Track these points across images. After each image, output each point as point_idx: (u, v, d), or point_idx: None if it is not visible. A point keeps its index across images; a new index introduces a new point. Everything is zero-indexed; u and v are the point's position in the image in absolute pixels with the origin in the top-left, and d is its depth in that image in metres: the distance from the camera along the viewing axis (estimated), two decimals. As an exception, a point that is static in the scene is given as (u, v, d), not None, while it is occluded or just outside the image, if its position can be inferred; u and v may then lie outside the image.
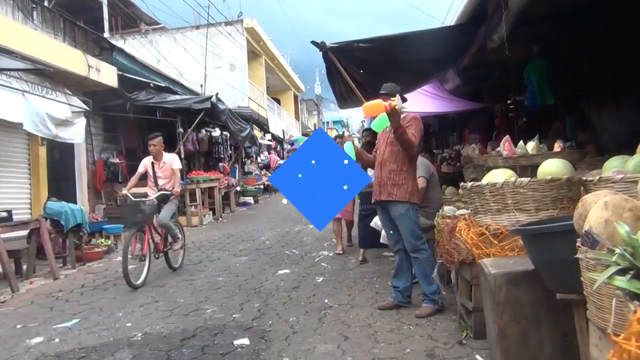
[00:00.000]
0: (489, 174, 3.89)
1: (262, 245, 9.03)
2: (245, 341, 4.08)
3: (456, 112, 10.38)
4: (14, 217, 7.82)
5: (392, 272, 6.09)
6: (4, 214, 7.44)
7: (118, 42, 16.53)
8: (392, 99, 4.23)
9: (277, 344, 4.01)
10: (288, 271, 6.70)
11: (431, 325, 4.19)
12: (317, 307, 4.99)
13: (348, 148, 4.45)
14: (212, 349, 3.97)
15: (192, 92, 15.78)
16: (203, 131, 16.09)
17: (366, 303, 5.00)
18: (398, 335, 4.02)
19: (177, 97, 13.27)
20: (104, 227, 9.79)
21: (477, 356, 3.45)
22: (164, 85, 13.37)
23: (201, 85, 17.37)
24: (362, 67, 6.05)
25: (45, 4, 12.94)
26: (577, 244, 1.96)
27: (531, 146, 4.84)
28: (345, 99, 6.71)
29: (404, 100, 4.67)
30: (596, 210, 1.91)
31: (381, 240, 5.98)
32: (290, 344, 3.98)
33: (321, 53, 5.80)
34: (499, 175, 3.66)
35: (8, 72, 7.67)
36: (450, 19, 7.31)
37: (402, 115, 4.49)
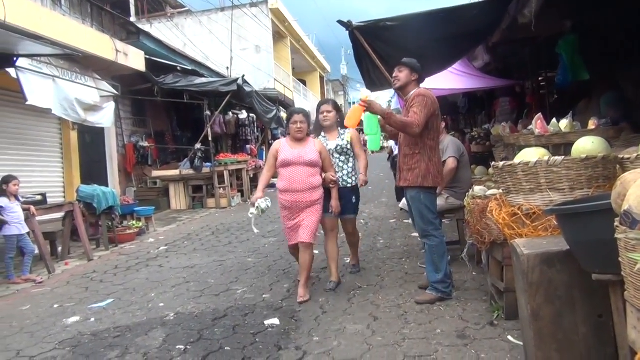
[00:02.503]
0: (521, 152, 3.80)
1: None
2: (275, 321, 4.12)
3: (485, 89, 10.19)
4: (48, 200, 8.01)
5: (422, 252, 6.11)
6: (39, 197, 7.63)
7: (144, 26, 16.63)
8: (362, 95, 4.17)
9: (307, 324, 4.04)
10: (317, 252, 6.69)
11: (462, 306, 4.16)
12: (346, 287, 5.01)
13: (367, 119, 4.25)
14: (243, 328, 4.02)
15: (218, 74, 15.83)
16: (230, 114, 16.16)
17: (395, 284, 4.99)
18: (428, 315, 4.01)
19: (204, 80, 13.33)
20: (135, 209, 9.96)
21: (510, 337, 3.42)
22: (190, 68, 13.44)
23: (227, 68, 17.41)
24: (390, 46, 5.94)
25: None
26: (616, 224, 1.90)
27: (564, 124, 4.71)
28: (374, 80, 6.60)
29: (422, 79, 4.52)
30: (636, 189, 1.84)
31: (410, 221, 5.95)
32: (320, 324, 4.01)
33: (347, 33, 5.73)
34: (531, 154, 3.57)
35: (39, 58, 7.78)
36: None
37: (411, 93, 4.32)
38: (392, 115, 4.16)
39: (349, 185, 5.15)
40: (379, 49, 5.83)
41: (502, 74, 9.64)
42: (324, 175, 4.82)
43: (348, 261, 5.80)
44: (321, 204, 4.79)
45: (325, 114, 5.22)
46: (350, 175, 5.17)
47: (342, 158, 5.18)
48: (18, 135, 9.08)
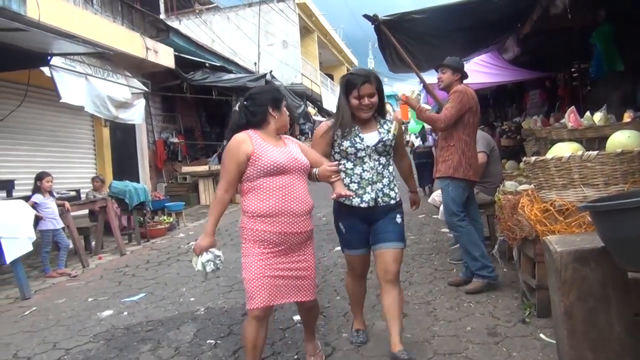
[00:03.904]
0: (553, 147, 3.73)
1: (318, 222, 9.09)
2: (304, 316, 4.13)
3: (516, 81, 10.01)
4: (82, 196, 8.19)
5: (451, 249, 6.07)
6: (73, 193, 7.81)
7: (173, 23, 16.80)
8: (400, 94, 4.44)
9: (335, 320, 4.04)
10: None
11: (492, 303, 4.11)
12: (374, 283, 4.98)
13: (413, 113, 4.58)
14: (273, 324, 4.05)
15: (246, 70, 15.91)
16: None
17: (424, 280, 4.95)
18: (458, 312, 3.97)
19: (232, 75, 13.42)
20: (166, 204, 10.11)
21: (542, 335, 3.36)
22: (218, 64, 13.54)
23: (255, 63, 17.48)
24: (416, 39, 5.92)
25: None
26: (653, 221, 1.85)
27: (598, 117, 4.59)
28: (396, 63, 6.62)
29: (464, 77, 4.67)
30: (674, 186, 1.79)
31: (439, 217, 5.90)
32: (349, 320, 4.00)
33: (373, 26, 5.70)
34: (564, 149, 3.51)
35: (72, 57, 7.94)
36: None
37: (452, 90, 4.50)
38: (422, 111, 4.45)
39: (392, 201, 3.23)
40: (405, 41, 5.81)
41: (533, 66, 9.45)
42: (318, 170, 3.04)
43: (377, 295, 4.20)
44: (314, 239, 3.16)
45: (367, 100, 3.13)
46: (392, 186, 3.25)
47: (383, 160, 3.22)
48: (53, 133, 9.31)
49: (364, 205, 3.15)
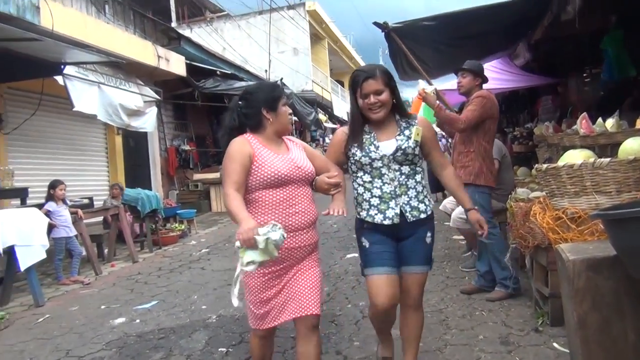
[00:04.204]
0: (565, 154, 3.71)
1: (329, 229, 9.08)
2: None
3: (527, 87, 9.97)
4: (95, 203, 8.25)
5: (463, 257, 6.04)
6: (86, 201, 7.88)
7: (185, 32, 16.94)
8: (420, 88, 4.35)
9: (347, 328, 4.03)
10: (356, 255, 6.70)
11: (504, 311, 4.08)
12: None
13: (425, 110, 4.49)
14: (284, 332, 4.04)
15: (257, 77, 15.99)
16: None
17: (436, 288, 4.93)
18: (470, 321, 3.95)
19: (243, 83, 13.47)
20: (178, 212, 10.17)
21: (555, 344, 3.33)
22: (230, 72, 13.61)
23: (266, 71, 17.57)
24: (427, 46, 5.92)
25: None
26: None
27: (610, 123, 4.54)
28: (407, 71, 6.61)
29: (485, 81, 4.62)
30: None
31: (451, 225, 5.87)
32: (361, 328, 4.00)
33: (384, 34, 5.71)
34: (576, 156, 3.48)
35: (84, 65, 8.03)
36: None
37: (474, 94, 4.43)
38: (441, 109, 4.35)
39: (422, 215, 2.78)
40: (415, 48, 5.79)
41: (544, 72, 9.41)
42: (316, 180, 2.71)
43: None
44: (318, 250, 2.81)
45: (373, 98, 2.70)
46: (422, 198, 2.79)
47: (405, 170, 2.77)
48: (66, 141, 9.41)
49: (387, 222, 2.71)
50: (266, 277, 2.58)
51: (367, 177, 2.79)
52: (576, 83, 9.14)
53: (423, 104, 4.31)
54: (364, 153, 2.76)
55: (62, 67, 7.33)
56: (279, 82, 13.24)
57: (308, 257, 2.68)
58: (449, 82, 8.85)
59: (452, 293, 4.70)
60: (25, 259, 5.39)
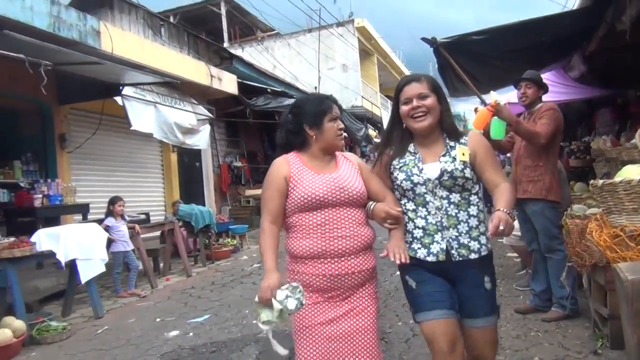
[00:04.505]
0: (623, 169, 3.57)
1: (379, 245, 8.99)
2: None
3: (583, 99, 9.65)
4: (151, 219, 8.52)
5: (517, 275, 5.87)
6: (143, 216, 8.14)
7: (237, 51, 17.37)
8: (492, 99, 4.04)
9: (397, 346, 3.99)
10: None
11: (561, 332, 3.93)
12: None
13: (495, 125, 4.08)
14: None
15: (307, 94, 16.18)
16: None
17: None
18: (525, 342, 3.82)
19: (293, 100, 13.66)
20: (230, 227, 10.35)
21: (616, 365, 3.19)
22: (280, 89, 13.83)
23: (315, 88, 17.76)
24: (477, 61, 5.83)
25: (171, 20, 13.93)
26: None
27: (673, 135, 4.37)
28: (457, 88, 6.52)
29: (545, 90, 4.49)
30: None
31: (503, 241, 5.73)
32: (411, 346, 3.94)
33: (432, 49, 5.67)
34: (634, 171, 3.34)
35: (142, 86, 8.36)
36: (573, 3, 6.80)
37: (538, 106, 4.32)
38: (521, 123, 4.11)
39: (473, 255, 2.34)
40: (464, 63, 5.71)
41: (601, 84, 9.10)
42: (375, 206, 2.43)
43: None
44: (377, 280, 2.55)
45: (416, 101, 2.36)
46: (476, 235, 2.36)
47: (455, 198, 2.36)
48: (125, 159, 9.78)
49: (431, 258, 2.33)
50: (312, 301, 2.36)
51: (410, 205, 2.41)
52: (636, 95, 8.79)
53: (493, 119, 3.90)
54: (405, 176, 2.39)
55: (121, 88, 7.65)
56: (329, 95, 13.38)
57: (363, 289, 2.41)
58: (500, 96, 8.70)
59: (506, 312, 4.56)
60: (86, 272, 5.60)
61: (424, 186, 2.36)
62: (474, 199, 2.37)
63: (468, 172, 2.34)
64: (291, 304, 2.21)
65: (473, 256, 2.32)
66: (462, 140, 2.41)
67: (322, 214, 2.34)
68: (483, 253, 2.35)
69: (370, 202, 2.43)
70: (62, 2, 7.09)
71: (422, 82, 2.37)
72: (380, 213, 2.37)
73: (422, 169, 2.37)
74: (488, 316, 2.35)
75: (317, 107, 2.47)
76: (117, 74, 7.31)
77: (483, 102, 6.50)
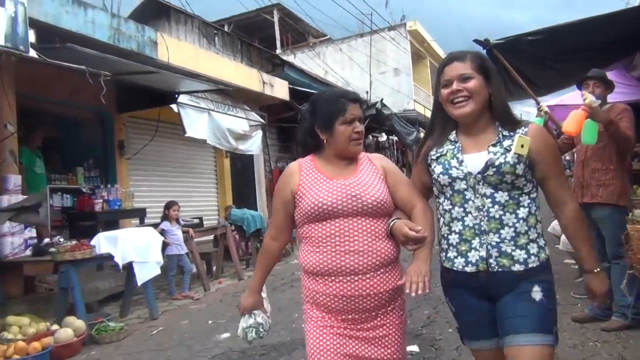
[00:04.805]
0: (688, 172, 3.39)
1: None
2: (414, 348, 4.07)
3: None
4: (205, 223, 8.73)
5: (575, 282, 5.65)
6: (197, 221, 8.35)
7: (289, 57, 17.59)
8: (585, 98, 3.79)
9: (447, 354, 3.93)
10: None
11: (622, 343, 3.77)
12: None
13: (588, 127, 3.87)
14: None
15: (358, 99, 16.18)
16: (370, 137, 16.41)
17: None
18: (582, 352, 3.69)
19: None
20: (281, 232, 10.44)
21: (680, 381, 3.03)
22: (331, 95, 13.89)
23: (367, 92, 17.72)
24: (532, 62, 5.67)
25: (226, 29, 14.26)
26: None
27: None
28: (511, 91, 6.36)
29: (612, 89, 4.33)
30: None
31: (560, 247, 5.54)
32: (461, 354, 3.87)
33: (485, 51, 5.56)
34: (701, 174, 3.17)
35: (196, 94, 8.59)
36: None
37: (607, 106, 4.14)
38: (619, 125, 3.91)
39: (518, 267, 1.94)
40: (519, 65, 5.57)
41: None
42: (394, 224, 2.06)
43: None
44: (404, 300, 2.20)
45: (456, 84, 1.98)
46: (522, 242, 1.96)
47: (501, 197, 1.97)
48: (180, 164, 10.08)
49: (470, 269, 1.97)
50: (326, 322, 2.09)
51: (446, 204, 2.05)
52: None
53: (586, 121, 3.71)
54: (442, 169, 2.03)
55: (177, 96, 7.90)
56: (378, 104, 13.34)
57: (384, 313, 2.08)
58: (555, 99, 8.46)
59: (562, 321, 4.41)
60: (142, 275, 5.80)
61: (464, 181, 1.98)
62: (525, 199, 1.97)
63: (520, 169, 1.92)
64: (250, 335, 2.33)
65: (517, 268, 1.92)
66: (520, 131, 1.97)
67: (333, 225, 2.04)
68: (531, 265, 1.93)
69: (392, 218, 2.07)
70: (122, 14, 7.40)
71: (466, 61, 1.98)
72: (399, 234, 2.02)
73: (462, 161, 1.99)
74: (538, 333, 1.86)
75: (329, 107, 2.14)
76: (172, 83, 7.55)
77: (536, 102, 6.33)
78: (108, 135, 8.61)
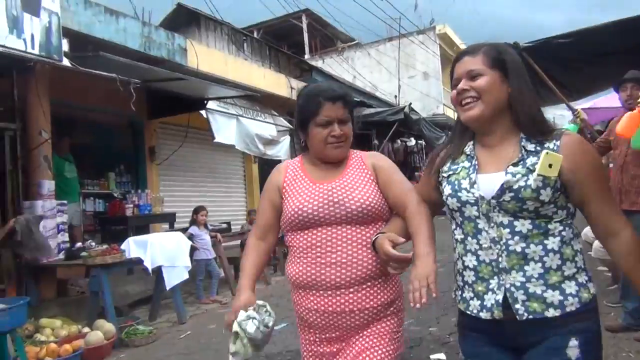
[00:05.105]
0: None
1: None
2: (441, 356, 4.01)
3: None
4: (232, 228, 8.80)
5: (608, 290, 5.51)
6: (225, 226, 8.43)
7: (317, 62, 17.65)
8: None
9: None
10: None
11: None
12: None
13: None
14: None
15: (386, 103, 16.12)
16: (398, 141, 16.32)
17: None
18: (616, 361, 3.59)
19: (372, 110, 13.68)
20: (308, 237, 10.46)
21: None
22: (358, 99, 13.88)
23: (395, 97, 17.65)
24: (564, 66, 5.56)
25: (255, 35, 14.40)
26: None
27: None
28: (542, 95, 6.23)
29: None
30: None
31: (592, 255, 5.40)
32: None
33: (514, 55, 5.47)
34: None
35: (225, 100, 8.69)
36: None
37: None
38: None
39: (552, 312, 1.52)
40: (549, 68, 5.46)
41: None
42: (377, 239, 1.77)
43: None
44: (400, 317, 1.99)
45: (463, 83, 1.60)
46: (553, 281, 1.54)
47: (523, 226, 1.54)
48: (209, 170, 10.21)
49: (485, 315, 1.59)
50: (309, 340, 1.95)
51: (458, 233, 1.69)
52: None
53: None
54: (451, 190, 1.66)
55: (205, 102, 8.00)
56: (406, 109, 13.27)
57: (369, 328, 1.85)
58: (587, 103, 8.29)
59: (594, 330, 4.31)
60: (171, 279, 5.87)
61: (476, 207, 1.59)
62: (555, 227, 1.55)
63: (547, 194, 1.50)
64: (251, 327, 1.78)
65: (551, 313, 1.51)
66: (551, 145, 1.55)
67: (314, 235, 1.85)
68: (569, 308, 1.52)
69: (379, 232, 1.81)
70: (153, 22, 7.55)
71: (477, 55, 1.60)
72: (380, 252, 1.71)
73: (474, 182, 1.60)
74: None
75: (304, 106, 1.93)
76: (201, 89, 7.66)
77: (571, 110, 6.19)
78: (139, 141, 8.78)
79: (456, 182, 1.65)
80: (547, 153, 1.50)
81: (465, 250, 1.65)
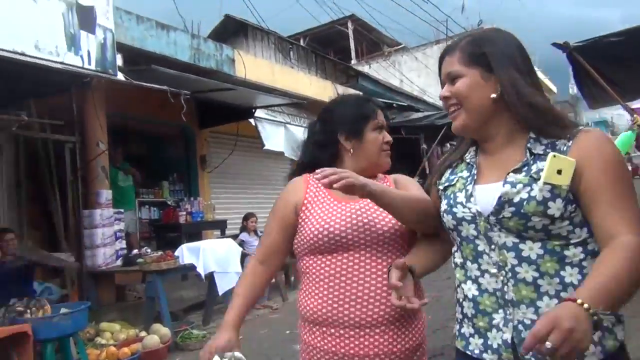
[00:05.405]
0: None
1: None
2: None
3: None
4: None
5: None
6: (274, 232, 8.52)
7: (363, 68, 17.62)
8: None
9: None
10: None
11: None
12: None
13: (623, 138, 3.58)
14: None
15: (434, 107, 15.93)
16: (447, 145, 16.08)
17: (637, 333, 4.36)
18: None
19: (420, 114, 13.53)
20: (357, 242, 10.45)
21: None
22: (406, 104, 13.78)
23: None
24: (618, 65, 5.37)
25: (301, 42, 14.56)
26: None
27: None
28: (595, 97, 6.03)
29: None
30: None
31: None
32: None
33: (565, 55, 5.33)
34: None
35: (273, 108, 8.82)
36: None
37: None
38: None
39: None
40: (601, 67, 5.29)
41: None
42: (396, 272, 1.39)
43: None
44: None
45: (446, 89, 1.41)
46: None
47: (533, 249, 1.23)
48: (258, 177, 10.37)
49: (489, 357, 1.30)
50: None
51: (458, 257, 1.41)
52: None
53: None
54: (447, 206, 1.39)
55: (254, 110, 8.15)
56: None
57: None
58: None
59: (630, 326, 4.10)
60: (223, 285, 5.98)
61: (473, 225, 1.31)
62: (574, 254, 1.22)
63: (556, 208, 1.19)
64: None
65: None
66: (562, 145, 1.24)
67: (338, 260, 1.56)
68: (595, 357, 1.18)
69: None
70: (202, 34, 7.76)
71: (454, 54, 1.37)
72: (393, 283, 1.39)
73: (470, 195, 1.33)
74: None
75: (357, 110, 1.74)
76: (250, 98, 7.81)
77: (627, 110, 5.96)
78: (191, 150, 9.01)
79: (452, 196, 1.38)
80: (554, 156, 1.18)
81: (466, 277, 1.37)
